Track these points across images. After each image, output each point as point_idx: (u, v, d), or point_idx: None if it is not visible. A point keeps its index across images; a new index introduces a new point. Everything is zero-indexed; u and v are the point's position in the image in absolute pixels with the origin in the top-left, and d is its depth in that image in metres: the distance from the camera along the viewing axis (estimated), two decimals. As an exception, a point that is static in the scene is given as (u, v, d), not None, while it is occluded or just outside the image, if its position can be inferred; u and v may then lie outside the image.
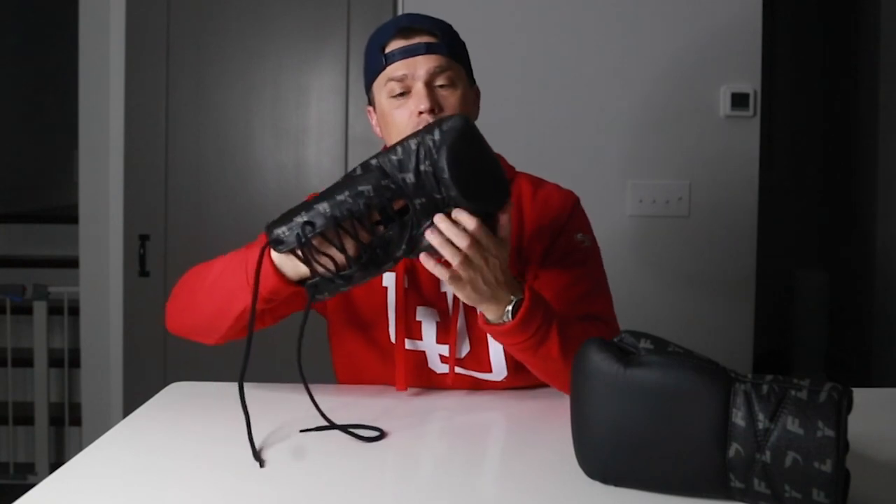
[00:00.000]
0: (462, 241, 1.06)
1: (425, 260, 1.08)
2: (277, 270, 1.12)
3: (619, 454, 0.89)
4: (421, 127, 1.18)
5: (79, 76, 2.78)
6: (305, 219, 1.04)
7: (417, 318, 1.34)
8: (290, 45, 2.75)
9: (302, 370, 1.13)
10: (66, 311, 3.27)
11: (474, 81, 1.39)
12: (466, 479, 0.98)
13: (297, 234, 1.04)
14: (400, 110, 1.28)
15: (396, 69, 1.28)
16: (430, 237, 1.06)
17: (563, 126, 2.55)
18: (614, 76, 2.54)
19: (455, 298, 1.32)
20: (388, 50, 1.30)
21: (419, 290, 1.34)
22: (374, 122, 1.38)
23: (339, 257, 1.06)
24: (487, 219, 1.08)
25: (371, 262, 1.07)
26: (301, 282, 1.13)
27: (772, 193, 3.87)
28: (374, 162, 1.06)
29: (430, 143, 1.04)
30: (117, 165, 2.76)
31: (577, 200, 1.41)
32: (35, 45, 4.51)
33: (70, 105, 2.91)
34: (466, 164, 1.05)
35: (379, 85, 1.31)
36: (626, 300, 2.57)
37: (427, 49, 1.28)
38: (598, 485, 0.92)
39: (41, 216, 4.27)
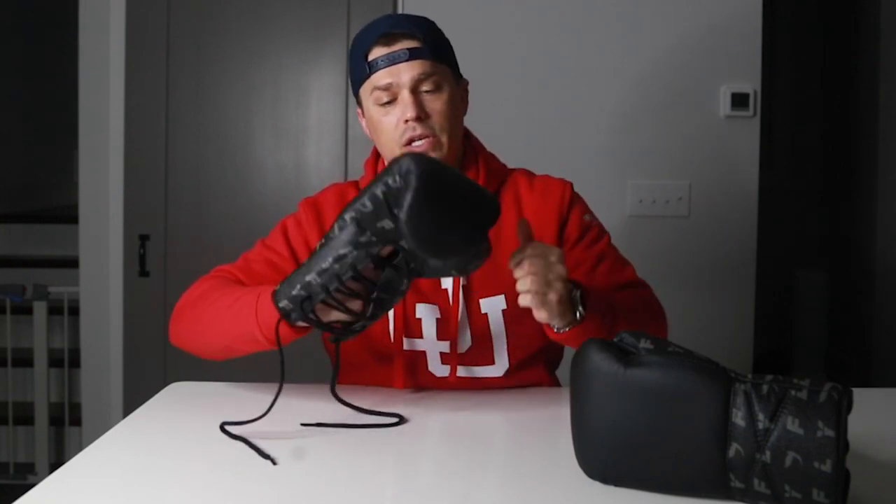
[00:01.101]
0: (520, 273, 1.13)
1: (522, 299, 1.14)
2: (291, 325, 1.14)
3: (619, 454, 0.89)
4: (408, 135, 1.25)
5: (79, 76, 2.78)
6: (303, 293, 1.07)
7: (417, 316, 1.34)
8: (290, 45, 2.75)
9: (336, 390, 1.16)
10: (66, 311, 3.27)
11: (461, 76, 1.39)
12: (467, 479, 0.98)
13: (300, 308, 1.08)
14: (388, 118, 1.30)
15: (381, 78, 1.28)
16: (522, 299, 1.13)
17: (563, 126, 2.55)
18: (614, 76, 2.54)
19: (455, 293, 1.32)
20: (371, 58, 1.30)
21: (418, 288, 1.34)
22: (364, 125, 1.39)
23: (344, 316, 1.09)
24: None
25: (378, 306, 1.09)
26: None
27: (772, 193, 3.86)
28: (347, 217, 1.05)
29: (396, 191, 1.02)
30: (117, 165, 2.76)
31: (572, 186, 1.43)
32: (35, 45, 4.51)
33: (70, 105, 2.91)
34: (429, 221, 1.02)
35: (365, 92, 1.32)
36: (626, 300, 2.58)
37: (410, 55, 1.28)
38: (598, 485, 0.92)
39: (41, 216, 4.27)
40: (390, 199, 1.02)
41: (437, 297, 1.33)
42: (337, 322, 1.10)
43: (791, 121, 4.45)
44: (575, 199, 1.41)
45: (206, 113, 2.76)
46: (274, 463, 0.99)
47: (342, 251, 1.05)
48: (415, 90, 1.28)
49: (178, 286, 2.78)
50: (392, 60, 1.28)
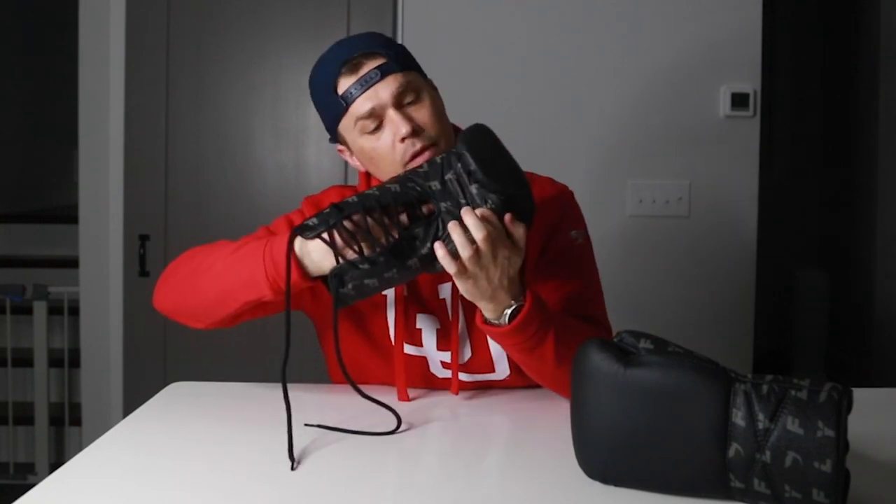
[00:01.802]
0: (479, 233, 1.07)
1: (438, 247, 1.09)
2: (298, 263, 1.13)
3: (619, 454, 0.89)
4: (409, 153, 1.22)
5: (79, 76, 2.78)
6: (335, 209, 1.09)
7: (417, 326, 1.33)
8: (290, 45, 2.75)
9: (343, 367, 1.15)
10: (66, 311, 3.27)
11: (426, 76, 1.33)
12: (467, 479, 0.98)
13: (327, 217, 1.09)
14: (381, 143, 1.24)
15: (360, 106, 1.22)
16: (451, 228, 1.08)
17: (564, 126, 2.55)
18: (614, 76, 2.54)
19: (455, 305, 1.31)
20: (341, 90, 1.23)
21: (419, 298, 1.33)
22: (351, 160, 1.33)
23: (366, 244, 1.10)
24: (518, 216, 1.12)
25: (396, 251, 1.09)
26: (321, 277, 1.14)
27: (772, 193, 3.87)
28: (400, 175, 1.13)
29: (454, 155, 1.10)
30: (117, 165, 2.76)
31: (570, 195, 1.40)
32: (35, 45, 4.51)
33: (70, 105, 2.91)
34: (488, 152, 1.11)
35: (347, 127, 1.26)
36: (626, 300, 2.59)
37: (381, 73, 1.22)
38: (598, 485, 0.92)
39: (41, 216, 4.27)
40: (445, 164, 1.11)
41: (435, 307, 1.33)
42: (354, 246, 1.10)
43: (791, 121, 4.45)
44: (567, 212, 1.36)
45: (206, 113, 2.76)
46: (293, 467, 0.99)
47: (389, 185, 1.11)
48: (398, 105, 1.23)
49: (178, 286, 2.79)
50: (366, 84, 1.21)
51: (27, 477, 3.19)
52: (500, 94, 2.53)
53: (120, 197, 2.76)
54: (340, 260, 1.10)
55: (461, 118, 1.56)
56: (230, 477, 0.96)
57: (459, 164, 1.10)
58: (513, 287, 1.13)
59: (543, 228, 1.32)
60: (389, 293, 1.32)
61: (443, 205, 1.10)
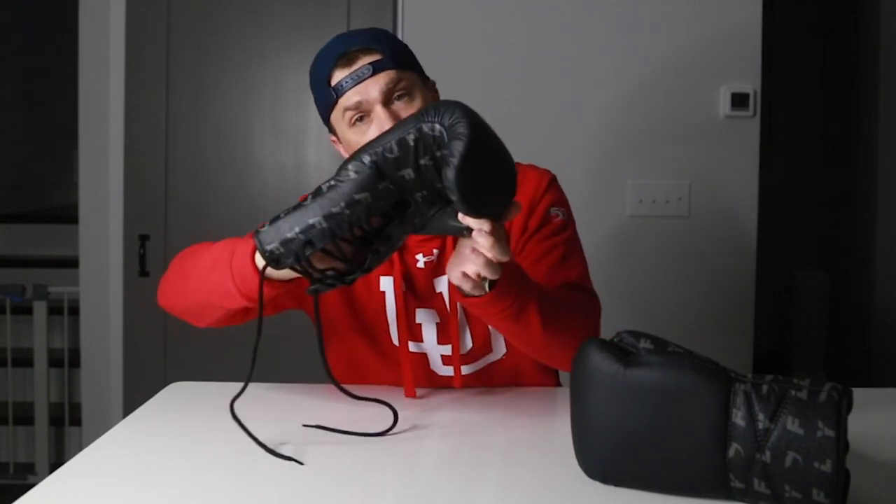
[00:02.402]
0: (491, 253, 1.03)
1: (462, 280, 1.07)
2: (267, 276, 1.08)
3: (619, 454, 0.89)
4: None
5: (79, 76, 2.78)
6: (302, 237, 0.97)
7: (417, 321, 1.34)
8: (290, 45, 2.75)
9: (328, 369, 1.13)
10: (66, 311, 3.27)
11: (427, 77, 1.35)
12: (467, 479, 0.98)
13: (296, 253, 0.98)
14: (366, 137, 1.25)
15: (349, 98, 1.25)
16: (472, 258, 1.04)
17: (564, 126, 2.55)
18: (614, 76, 2.54)
19: (452, 298, 1.32)
20: (334, 82, 1.26)
21: (416, 293, 1.34)
22: (341, 150, 1.34)
23: (341, 265, 1.02)
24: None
25: (375, 259, 1.02)
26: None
27: (772, 193, 3.87)
28: (367, 160, 0.97)
29: (430, 139, 0.96)
30: (117, 165, 2.76)
31: (552, 178, 1.40)
32: (35, 45, 4.51)
33: (70, 105, 2.91)
34: (476, 175, 0.96)
35: (337, 118, 1.29)
36: (626, 300, 2.59)
37: (374, 69, 1.24)
38: (598, 485, 0.92)
39: (41, 216, 4.27)
40: (420, 147, 0.96)
41: (434, 301, 1.33)
42: (328, 270, 1.01)
43: (791, 121, 4.45)
44: (548, 192, 1.36)
45: (206, 113, 2.76)
46: (301, 463, 0.99)
47: (357, 196, 0.95)
48: (387, 102, 1.24)
49: (178, 286, 2.79)
50: (357, 79, 1.24)
51: (27, 477, 3.19)
52: (500, 94, 2.53)
53: (120, 197, 2.76)
54: (318, 280, 1.02)
55: (461, 118, 1.56)
56: (230, 477, 0.96)
57: (437, 152, 0.96)
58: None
59: (525, 208, 1.32)
60: (388, 293, 1.33)
61: (418, 195, 0.99)
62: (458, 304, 1.31)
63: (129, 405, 2.68)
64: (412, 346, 1.33)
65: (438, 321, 1.33)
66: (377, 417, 1.15)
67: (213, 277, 1.15)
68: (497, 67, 2.54)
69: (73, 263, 2.94)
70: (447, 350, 1.33)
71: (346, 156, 1.31)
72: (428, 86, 1.34)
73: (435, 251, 1.34)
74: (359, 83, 1.24)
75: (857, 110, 3.86)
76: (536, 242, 1.32)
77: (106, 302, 2.80)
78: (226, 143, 2.76)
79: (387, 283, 1.33)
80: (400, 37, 2.54)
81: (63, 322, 3.29)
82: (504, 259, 1.04)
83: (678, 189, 2.55)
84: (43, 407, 3.18)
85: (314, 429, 1.12)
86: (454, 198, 0.96)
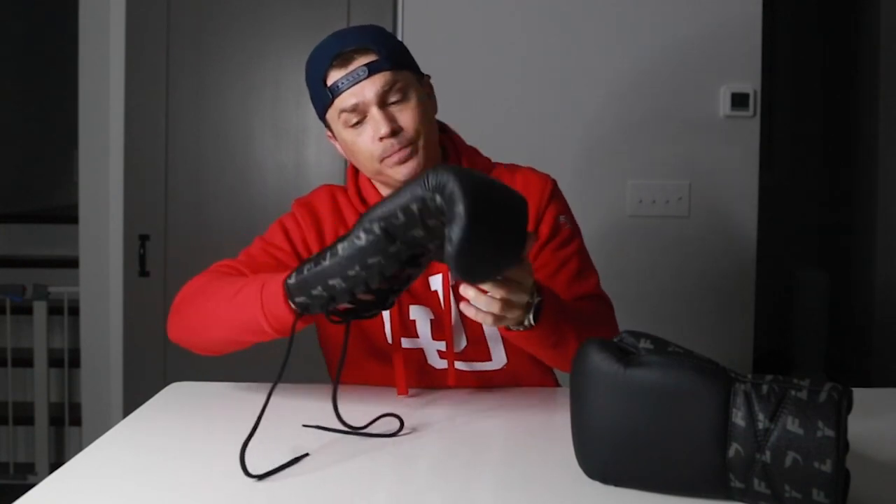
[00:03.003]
0: (495, 307, 1.08)
1: (466, 308, 1.10)
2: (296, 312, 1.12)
3: (619, 454, 0.89)
4: (386, 152, 1.24)
5: (79, 76, 2.78)
6: (325, 294, 1.06)
7: (411, 317, 1.34)
8: (290, 45, 2.75)
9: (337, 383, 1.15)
10: (66, 311, 3.27)
11: (423, 74, 1.35)
12: (466, 479, 0.98)
13: (321, 305, 1.08)
14: (361, 138, 1.27)
15: (345, 100, 1.25)
16: (466, 309, 1.09)
17: (563, 126, 2.55)
18: (614, 76, 2.54)
19: (446, 295, 1.32)
20: (330, 82, 1.26)
21: (410, 291, 1.34)
22: (337, 146, 1.36)
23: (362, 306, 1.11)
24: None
25: (394, 299, 1.12)
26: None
27: (772, 193, 3.87)
28: (376, 226, 1.01)
29: (434, 208, 0.98)
30: (117, 165, 2.76)
31: (554, 183, 1.41)
32: (35, 45, 4.51)
33: (70, 105, 2.91)
34: (478, 254, 0.98)
35: (333, 117, 1.30)
36: (626, 300, 2.58)
37: (370, 71, 1.24)
38: (598, 485, 0.92)
39: (41, 216, 4.27)
40: (425, 214, 0.99)
41: (427, 299, 1.33)
42: (352, 310, 1.12)
43: (791, 121, 4.45)
44: (553, 198, 1.38)
45: (206, 113, 2.76)
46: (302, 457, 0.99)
47: (370, 260, 1.02)
48: (382, 104, 1.25)
49: (178, 286, 2.78)
50: (353, 80, 1.24)
51: (27, 477, 3.19)
52: (499, 94, 2.53)
53: (120, 197, 2.76)
54: (340, 317, 1.12)
55: (461, 118, 1.56)
56: (230, 477, 0.96)
57: (442, 217, 0.98)
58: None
59: (532, 216, 1.34)
60: None
61: (431, 245, 1.04)
62: (451, 302, 1.32)
63: (129, 405, 2.68)
64: (406, 343, 1.34)
65: (433, 318, 1.33)
66: (378, 419, 1.15)
67: (242, 317, 1.17)
68: (497, 67, 2.54)
69: (73, 263, 2.94)
70: (442, 346, 1.33)
71: (343, 152, 1.34)
72: (423, 83, 1.34)
73: None
74: (354, 85, 1.24)
75: (857, 110, 3.86)
76: (551, 253, 1.35)
77: (106, 302, 2.80)
78: (226, 143, 2.76)
79: None
80: (400, 37, 2.54)
81: (63, 322, 3.29)
82: (494, 309, 1.08)
83: (678, 189, 2.55)
84: (43, 407, 3.18)
85: (313, 429, 1.12)
86: (458, 273, 1.00)
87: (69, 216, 3.40)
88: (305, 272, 1.07)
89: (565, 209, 1.41)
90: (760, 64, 2.54)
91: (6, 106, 4.28)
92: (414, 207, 0.99)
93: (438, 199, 0.97)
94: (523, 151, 1.59)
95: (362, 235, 1.02)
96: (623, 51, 2.54)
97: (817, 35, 4.41)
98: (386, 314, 1.34)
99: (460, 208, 0.95)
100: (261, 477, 0.95)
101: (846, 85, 4.02)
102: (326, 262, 1.05)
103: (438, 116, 1.39)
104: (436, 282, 1.33)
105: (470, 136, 1.48)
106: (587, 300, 1.32)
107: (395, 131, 1.26)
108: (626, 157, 2.55)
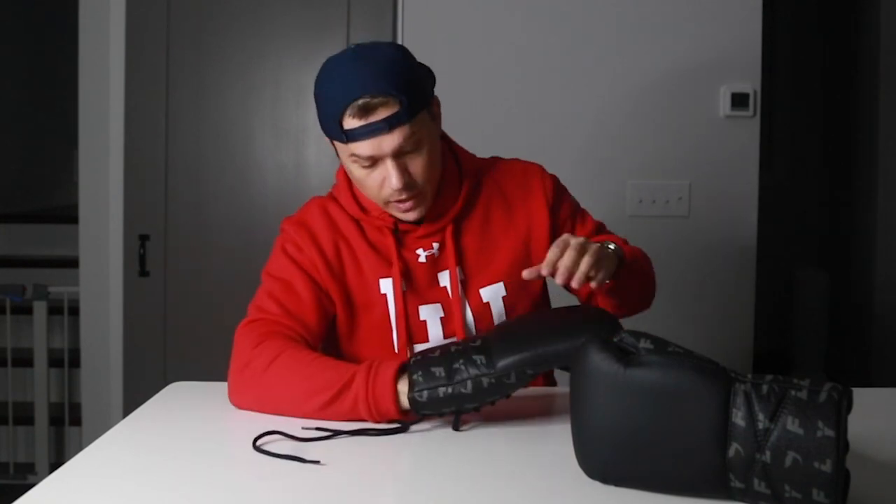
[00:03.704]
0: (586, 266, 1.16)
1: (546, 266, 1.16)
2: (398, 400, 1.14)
3: (619, 454, 0.89)
4: (393, 198, 1.27)
5: (79, 76, 2.78)
6: (455, 409, 1.12)
7: (421, 318, 1.34)
8: (290, 45, 2.75)
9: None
10: (66, 311, 3.27)
11: (432, 99, 1.31)
12: (466, 478, 0.98)
13: (435, 411, 1.13)
14: (371, 178, 1.27)
15: (360, 148, 1.23)
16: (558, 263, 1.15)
17: (563, 126, 2.55)
18: (614, 76, 2.54)
19: (455, 289, 1.32)
20: (346, 127, 1.22)
21: (418, 290, 1.34)
22: (338, 157, 1.33)
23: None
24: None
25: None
26: None
27: (772, 193, 3.87)
28: (528, 371, 1.11)
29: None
30: (117, 165, 2.76)
31: (543, 169, 1.46)
32: (35, 46, 4.51)
33: (70, 105, 2.91)
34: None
35: (342, 150, 1.28)
36: (626, 300, 2.58)
37: (389, 126, 1.20)
38: (598, 485, 0.92)
39: (41, 216, 4.27)
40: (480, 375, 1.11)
41: (437, 295, 1.34)
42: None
43: (791, 121, 4.44)
44: (556, 184, 1.44)
45: (206, 113, 2.76)
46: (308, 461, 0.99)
47: (511, 392, 1.12)
48: (397, 155, 1.24)
49: (178, 286, 2.80)
50: (372, 132, 1.21)
51: (27, 477, 3.19)
52: (499, 94, 2.53)
53: (120, 197, 2.76)
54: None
55: (460, 118, 1.56)
56: (230, 477, 0.96)
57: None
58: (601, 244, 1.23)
59: (540, 204, 1.39)
60: (389, 296, 1.33)
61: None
62: (461, 295, 1.32)
63: (129, 405, 2.68)
64: (420, 348, 1.33)
65: (442, 315, 1.33)
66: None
67: (342, 409, 1.15)
68: (497, 67, 2.53)
69: (73, 263, 2.94)
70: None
71: (342, 164, 1.33)
72: (432, 112, 1.30)
73: (435, 245, 1.35)
74: (372, 137, 1.22)
75: (857, 110, 3.86)
76: (581, 227, 1.44)
77: (106, 302, 2.80)
78: (226, 143, 2.76)
79: (387, 285, 1.33)
80: (400, 37, 2.54)
81: (63, 322, 3.29)
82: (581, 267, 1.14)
83: (678, 189, 2.55)
84: (43, 407, 3.18)
85: (314, 431, 1.12)
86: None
87: (69, 216, 3.40)
88: (441, 394, 1.10)
89: (567, 192, 1.47)
90: (760, 64, 2.54)
91: (6, 106, 4.28)
92: (567, 362, 1.07)
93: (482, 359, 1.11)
94: (523, 151, 1.59)
95: (513, 377, 1.10)
96: (623, 51, 2.54)
97: (817, 35, 4.41)
98: (393, 321, 1.34)
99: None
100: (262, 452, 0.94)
101: (846, 85, 4.02)
102: (468, 391, 1.10)
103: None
104: (444, 278, 1.35)
105: (470, 136, 1.48)
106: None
107: (408, 185, 1.25)
108: (626, 157, 2.55)
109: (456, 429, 1.13)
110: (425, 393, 1.10)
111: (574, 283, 1.14)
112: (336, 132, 1.24)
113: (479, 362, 1.10)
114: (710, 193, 2.56)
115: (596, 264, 1.16)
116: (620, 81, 2.55)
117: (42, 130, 4.56)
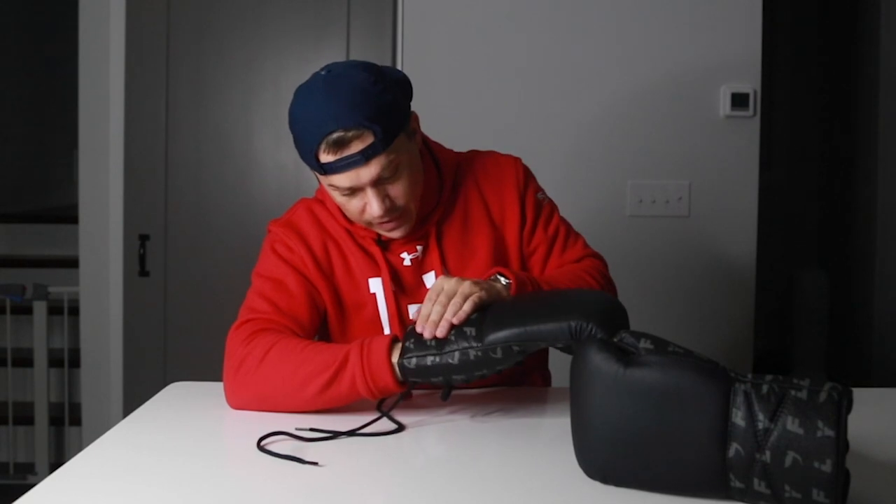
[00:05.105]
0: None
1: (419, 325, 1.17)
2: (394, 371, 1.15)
3: (619, 454, 0.89)
4: (376, 221, 1.27)
5: (79, 76, 2.78)
6: (443, 380, 1.13)
7: (411, 317, 1.34)
8: (290, 45, 2.75)
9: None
10: (66, 311, 3.27)
11: (410, 114, 1.30)
12: (466, 479, 0.98)
13: (427, 379, 1.14)
14: (351, 205, 1.27)
15: (338, 180, 1.23)
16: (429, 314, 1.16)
17: (564, 126, 2.55)
18: (614, 76, 2.54)
19: None
20: (323, 160, 1.22)
21: (405, 290, 1.36)
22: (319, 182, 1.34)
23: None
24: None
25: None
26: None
27: (772, 193, 3.87)
28: (515, 348, 1.11)
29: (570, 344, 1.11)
30: (117, 165, 2.76)
31: (521, 162, 1.47)
32: (35, 46, 4.51)
33: (70, 105, 2.91)
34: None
35: (321, 179, 1.28)
36: (625, 300, 2.57)
37: (365, 157, 1.20)
38: (598, 485, 0.92)
39: (41, 216, 4.26)
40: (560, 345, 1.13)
41: (424, 295, 1.34)
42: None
43: (791, 121, 4.44)
44: (528, 177, 1.45)
45: (206, 113, 2.76)
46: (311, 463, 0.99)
47: (499, 367, 1.13)
48: (375, 183, 1.24)
49: (178, 286, 2.80)
50: (348, 165, 1.21)
51: (27, 477, 3.19)
52: (499, 94, 2.53)
53: (120, 197, 2.76)
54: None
55: (460, 119, 1.56)
56: (230, 477, 0.96)
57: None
58: (489, 281, 1.24)
59: (513, 196, 1.41)
60: (379, 295, 1.34)
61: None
62: None
63: (129, 405, 2.68)
64: None
65: None
66: (378, 421, 1.15)
67: (340, 391, 1.17)
68: (497, 67, 2.53)
69: (73, 263, 2.94)
70: None
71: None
72: (409, 133, 1.29)
73: (419, 248, 1.37)
74: (349, 170, 1.22)
75: (857, 110, 3.86)
76: (542, 231, 1.42)
77: (106, 302, 2.80)
78: (226, 143, 2.76)
79: (376, 285, 1.35)
80: (400, 37, 2.54)
81: (63, 322, 3.29)
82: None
83: (678, 189, 2.55)
84: (43, 407, 3.18)
85: (312, 432, 1.12)
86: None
87: (69, 216, 3.40)
88: (429, 362, 1.12)
89: (538, 185, 1.47)
90: (760, 64, 2.54)
91: (6, 106, 4.28)
92: (554, 343, 1.10)
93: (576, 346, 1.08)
94: (523, 151, 1.59)
95: (499, 352, 1.10)
96: (623, 51, 2.54)
97: (817, 35, 4.41)
98: (384, 316, 1.34)
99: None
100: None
101: (846, 85, 4.02)
102: (455, 362, 1.11)
103: (439, 116, 1.39)
104: (429, 279, 1.36)
105: (469, 136, 1.49)
106: (580, 262, 1.41)
107: (388, 210, 1.26)
108: (626, 157, 2.55)
109: (444, 399, 1.15)
110: (414, 360, 1.12)
111: (438, 333, 1.13)
112: (313, 164, 1.25)
113: (468, 334, 1.12)
114: (710, 193, 2.56)
115: (463, 305, 1.14)
116: (620, 81, 2.55)
117: (42, 130, 4.55)
